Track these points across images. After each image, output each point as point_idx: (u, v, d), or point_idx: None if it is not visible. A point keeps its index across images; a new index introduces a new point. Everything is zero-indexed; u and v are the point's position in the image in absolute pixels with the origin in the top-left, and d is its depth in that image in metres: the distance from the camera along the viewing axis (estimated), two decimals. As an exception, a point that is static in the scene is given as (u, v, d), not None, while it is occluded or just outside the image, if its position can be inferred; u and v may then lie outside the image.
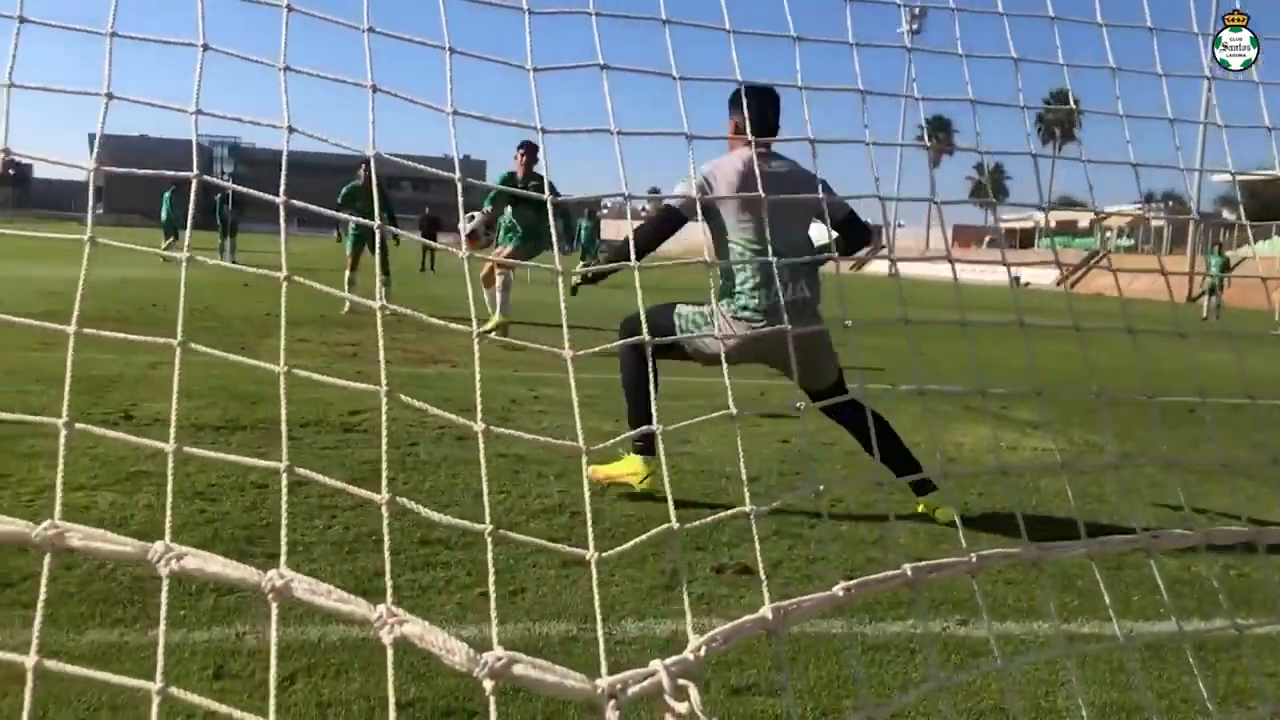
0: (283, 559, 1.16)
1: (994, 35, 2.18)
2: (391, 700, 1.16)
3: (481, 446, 1.34)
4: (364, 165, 15.15)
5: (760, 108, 4.56)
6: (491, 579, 1.24)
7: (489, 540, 1.26)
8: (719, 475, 5.13)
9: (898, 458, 4.44)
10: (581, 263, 26.48)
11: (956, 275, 2.02)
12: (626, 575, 3.56)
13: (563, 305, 1.53)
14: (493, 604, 1.27)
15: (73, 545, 1.07)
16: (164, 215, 26.28)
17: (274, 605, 1.10)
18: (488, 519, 1.29)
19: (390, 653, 1.07)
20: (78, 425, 1.24)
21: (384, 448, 1.44)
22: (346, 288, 12.58)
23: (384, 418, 1.35)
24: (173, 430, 1.33)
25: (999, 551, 1.41)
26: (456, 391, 7.34)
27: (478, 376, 1.44)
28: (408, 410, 6.57)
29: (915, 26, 59.84)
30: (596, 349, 1.64)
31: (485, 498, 1.40)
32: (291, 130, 1.48)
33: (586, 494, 1.42)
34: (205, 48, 1.54)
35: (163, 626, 1.23)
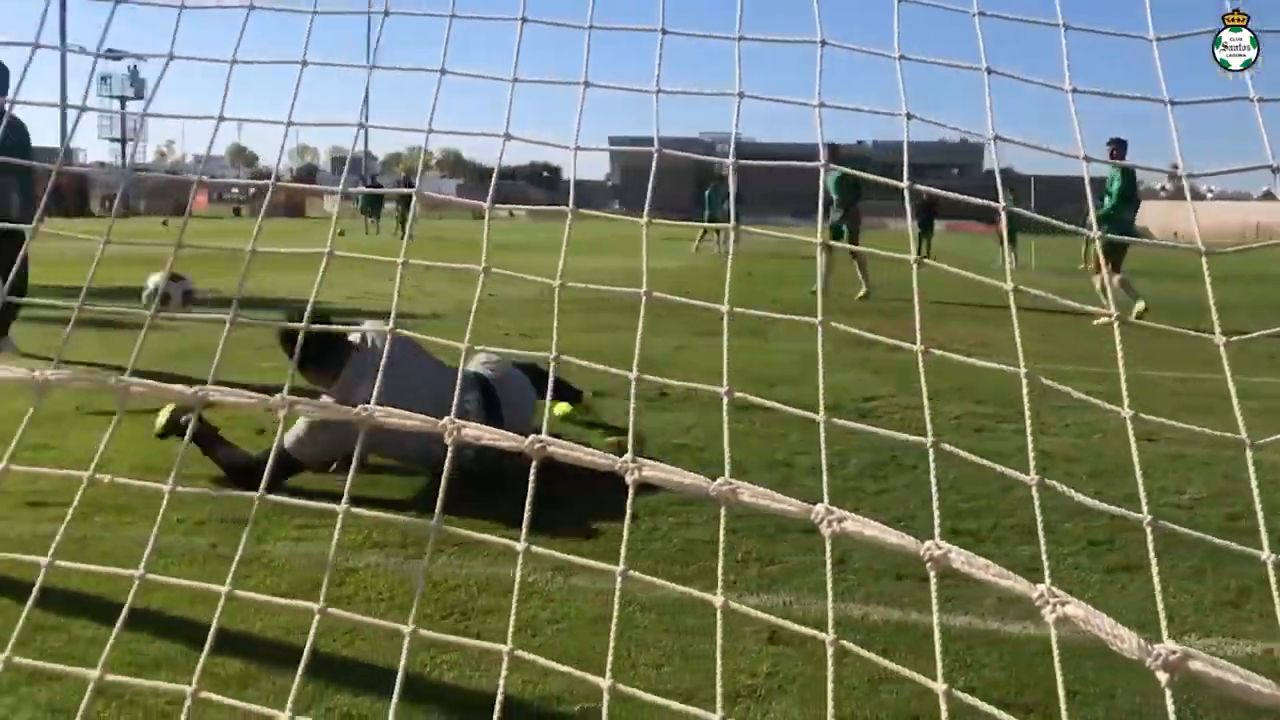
0: (936, 529, 1.20)
1: None
2: (1061, 689, 1.15)
3: (1130, 439, 1.29)
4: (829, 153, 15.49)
5: None
6: (1154, 569, 1.19)
7: (1149, 531, 1.21)
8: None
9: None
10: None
11: None
12: (1183, 588, 3.27)
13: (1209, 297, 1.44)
14: (1158, 595, 1.21)
15: (744, 500, 1.19)
16: (706, 211, 27.53)
17: (932, 574, 1.15)
18: (1145, 509, 1.24)
19: (1054, 633, 1.07)
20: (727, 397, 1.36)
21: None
22: (860, 271, 14.11)
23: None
24: (822, 410, 1.43)
25: None
26: (983, 381, 7.13)
27: (1123, 373, 1.39)
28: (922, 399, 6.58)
29: None
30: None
31: (1142, 496, 1.34)
32: (911, 117, 1.52)
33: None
34: (823, 43, 1.62)
35: (829, 585, 1.32)
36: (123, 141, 61.95)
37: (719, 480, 1.23)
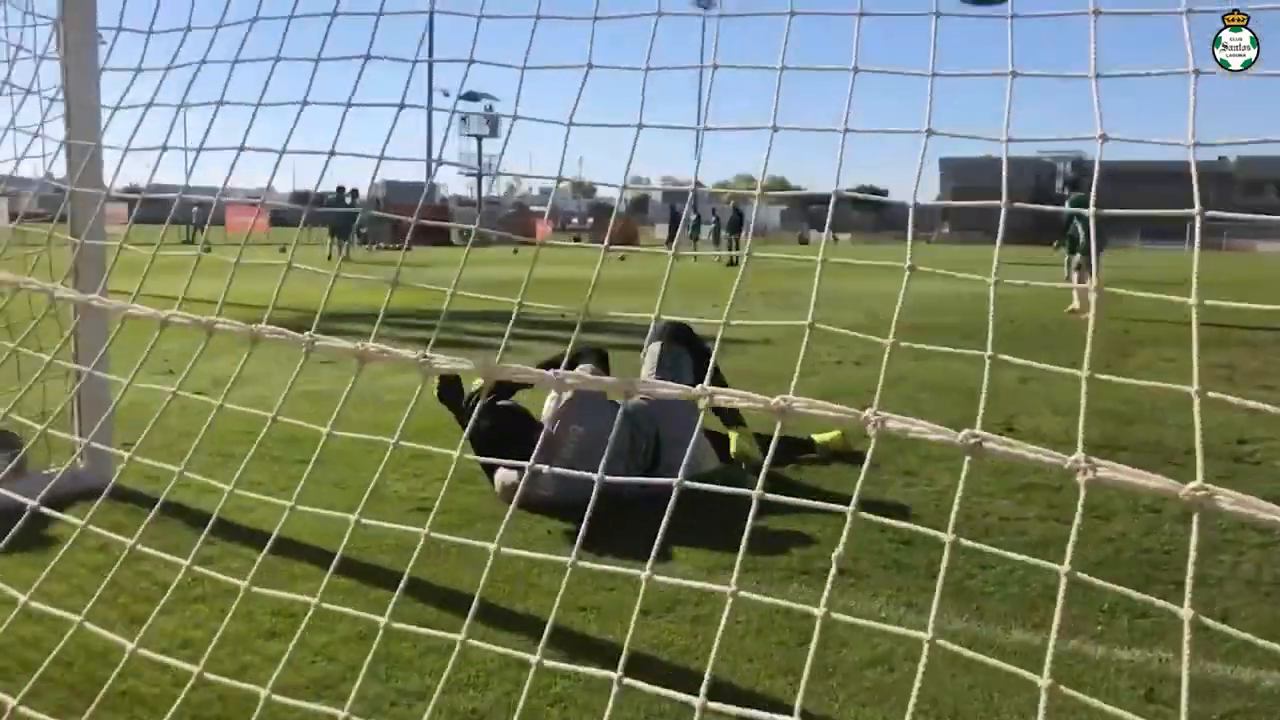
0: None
1: None
2: None
3: None
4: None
5: None
6: None
7: None
8: None
9: None
10: None
11: None
12: None
13: None
14: None
15: (1222, 508, 1.14)
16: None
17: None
18: None
19: None
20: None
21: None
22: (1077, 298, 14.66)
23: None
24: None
25: None
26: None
27: None
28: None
29: None
30: None
31: None
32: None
33: None
34: (1196, 73, 1.54)
35: None
36: (479, 177, 67.26)
37: (1191, 484, 1.20)
